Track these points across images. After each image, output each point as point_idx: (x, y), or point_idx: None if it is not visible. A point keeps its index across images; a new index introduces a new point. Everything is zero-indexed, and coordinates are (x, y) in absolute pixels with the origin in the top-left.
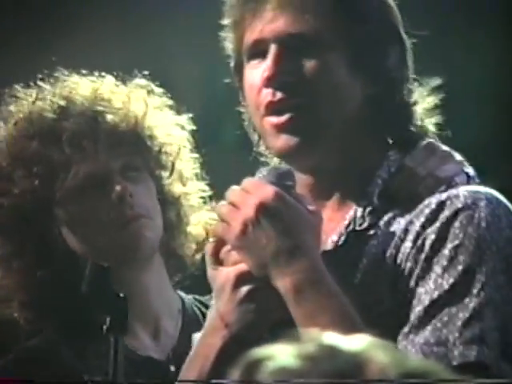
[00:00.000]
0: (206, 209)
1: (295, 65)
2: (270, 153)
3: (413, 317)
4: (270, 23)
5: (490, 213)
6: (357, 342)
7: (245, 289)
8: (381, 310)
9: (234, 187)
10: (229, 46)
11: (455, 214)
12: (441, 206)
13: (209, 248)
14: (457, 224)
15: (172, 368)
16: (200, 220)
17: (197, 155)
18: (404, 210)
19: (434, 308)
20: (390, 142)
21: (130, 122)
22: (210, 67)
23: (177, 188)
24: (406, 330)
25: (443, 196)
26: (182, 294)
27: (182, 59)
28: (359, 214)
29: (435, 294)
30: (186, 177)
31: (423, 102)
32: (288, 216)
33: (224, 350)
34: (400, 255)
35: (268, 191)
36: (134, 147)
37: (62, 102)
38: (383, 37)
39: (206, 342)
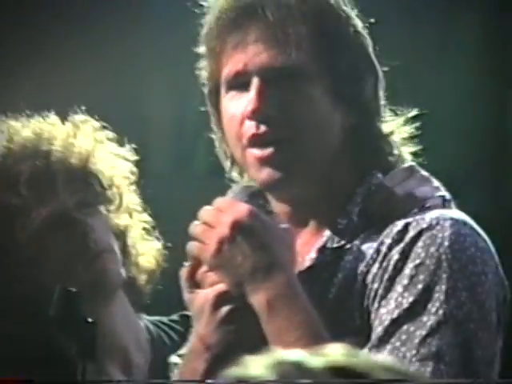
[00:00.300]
0: (151, 239)
1: (278, 98)
2: (251, 181)
3: (374, 336)
4: (252, 56)
5: (454, 232)
6: (321, 359)
7: (224, 309)
8: (352, 327)
9: (207, 207)
10: (203, 73)
11: (419, 234)
12: (406, 227)
13: (184, 272)
14: (420, 243)
15: None
16: (147, 250)
17: (138, 186)
18: (378, 229)
19: (394, 327)
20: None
21: (78, 157)
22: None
23: (123, 220)
24: (366, 349)
25: (410, 218)
26: (146, 317)
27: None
28: (337, 231)
29: (395, 314)
30: (131, 208)
31: (399, 131)
32: (263, 233)
33: (208, 372)
34: (369, 276)
35: (242, 209)
36: (84, 183)
37: (11, 146)
38: (360, 68)
39: (189, 367)
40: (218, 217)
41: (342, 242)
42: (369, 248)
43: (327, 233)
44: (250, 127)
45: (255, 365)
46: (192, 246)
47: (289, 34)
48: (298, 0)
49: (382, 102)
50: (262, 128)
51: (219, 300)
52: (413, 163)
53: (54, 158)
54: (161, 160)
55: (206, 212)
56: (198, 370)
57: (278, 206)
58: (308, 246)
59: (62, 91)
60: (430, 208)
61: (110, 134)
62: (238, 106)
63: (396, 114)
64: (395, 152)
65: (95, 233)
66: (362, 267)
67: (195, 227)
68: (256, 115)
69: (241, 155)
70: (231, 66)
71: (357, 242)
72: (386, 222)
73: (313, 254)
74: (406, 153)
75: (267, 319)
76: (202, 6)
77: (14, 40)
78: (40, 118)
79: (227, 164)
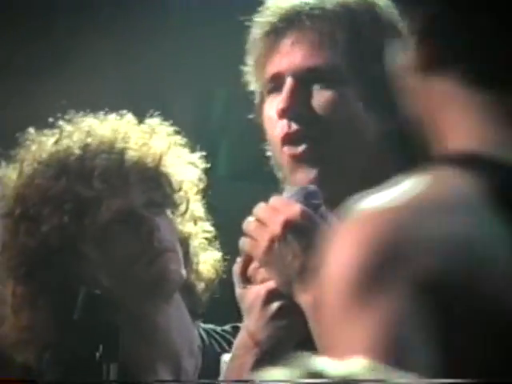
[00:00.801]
0: (211, 249)
1: (309, 97)
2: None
3: None
4: (286, 56)
5: None
6: (347, 366)
7: (275, 305)
8: None
9: (262, 204)
10: (253, 84)
11: None
12: None
13: (236, 267)
14: None
15: None
16: (207, 259)
17: (204, 194)
18: None
19: None
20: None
21: (152, 158)
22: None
23: (187, 227)
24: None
25: None
26: (201, 325)
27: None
28: None
29: None
30: (196, 216)
31: None
32: (314, 234)
33: (257, 367)
34: None
35: (295, 209)
36: (155, 183)
37: (88, 140)
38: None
39: (237, 363)
40: (271, 215)
41: None
42: None
43: None
44: (282, 126)
45: (277, 374)
46: (244, 242)
47: (323, 36)
48: (336, 5)
49: None
50: (294, 126)
51: (270, 296)
52: None
53: (129, 156)
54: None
55: (260, 209)
56: (246, 365)
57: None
58: None
59: (138, 94)
60: None
61: (182, 140)
62: (273, 107)
63: None
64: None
65: (161, 232)
66: None
67: (248, 224)
68: (286, 114)
69: (278, 157)
70: (269, 70)
71: None
72: None
73: None
74: None
75: (314, 320)
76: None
77: (93, 41)
78: (117, 117)
79: (280, 175)
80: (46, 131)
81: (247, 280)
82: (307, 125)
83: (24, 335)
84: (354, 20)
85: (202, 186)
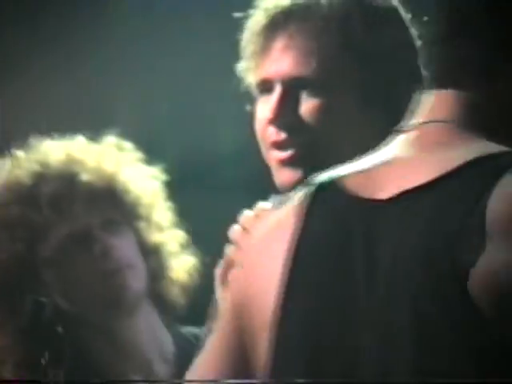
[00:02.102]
0: (185, 254)
1: (297, 105)
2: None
3: None
4: (275, 62)
5: None
6: None
7: None
8: None
9: (247, 211)
10: (248, 79)
11: None
12: None
13: (218, 272)
14: None
15: None
16: (181, 265)
17: (172, 203)
18: None
19: None
20: None
21: (105, 178)
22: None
23: (155, 237)
24: None
25: None
26: (177, 328)
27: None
28: None
29: None
30: (163, 225)
31: None
32: None
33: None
34: None
35: None
36: (110, 202)
37: (38, 168)
38: (400, 82)
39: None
40: (255, 223)
41: None
42: None
43: None
44: (271, 133)
45: None
46: (229, 249)
47: (312, 42)
48: (327, 13)
49: None
50: (282, 135)
51: None
52: None
53: (81, 179)
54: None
55: (245, 217)
56: None
57: None
58: None
59: (93, 113)
60: None
61: (139, 155)
62: (263, 110)
63: None
64: None
65: (117, 250)
66: None
67: (233, 231)
68: (275, 123)
69: (266, 157)
70: (260, 71)
71: None
72: None
73: None
74: None
75: None
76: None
77: (49, 62)
78: (69, 140)
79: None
80: (2, 161)
81: (227, 284)
82: (295, 132)
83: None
84: (344, 24)
85: (164, 195)
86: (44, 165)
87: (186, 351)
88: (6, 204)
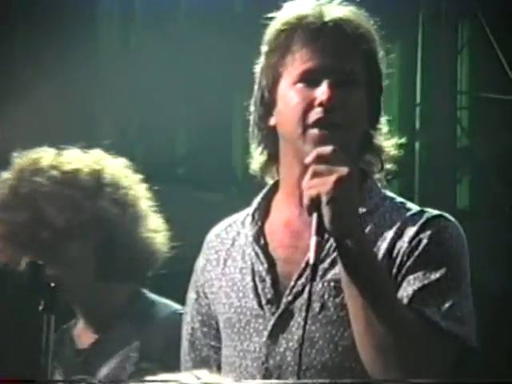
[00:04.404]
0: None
1: (340, 94)
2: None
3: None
4: (322, 60)
5: (457, 226)
6: None
7: None
8: None
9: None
10: (266, 66)
11: (436, 223)
12: (422, 212)
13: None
14: (439, 232)
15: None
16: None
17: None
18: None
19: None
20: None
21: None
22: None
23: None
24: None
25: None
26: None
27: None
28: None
29: (425, 281)
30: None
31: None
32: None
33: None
34: (395, 250)
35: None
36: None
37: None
38: (380, 85)
39: None
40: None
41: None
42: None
43: None
44: (317, 112)
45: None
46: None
47: (348, 49)
48: (353, 28)
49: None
50: (326, 113)
51: None
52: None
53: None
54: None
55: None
56: None
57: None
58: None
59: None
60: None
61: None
62: (307, 95)
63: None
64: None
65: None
66: (384, 243)
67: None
68: (327, 104)
69: (300, 134)
70: (302, 63)
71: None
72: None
73: None
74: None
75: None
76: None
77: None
78: (61, 151)
79: (259, 155)
80: None
81: None
82: (335, 115)
83: None
84: (368, 31)
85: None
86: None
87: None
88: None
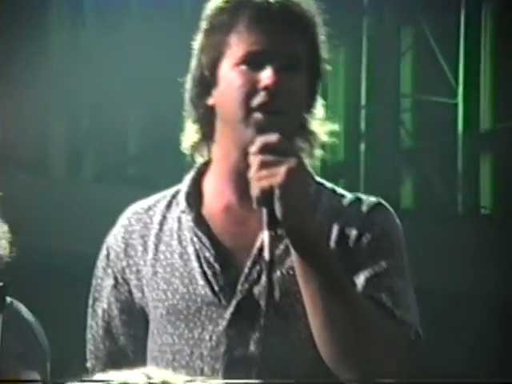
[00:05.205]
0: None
1: (284, 78)
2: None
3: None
4: (267, 42)
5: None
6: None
7: None
8: None
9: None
10: (207, 44)
11: (379, 209)
12: (359, 200)
13: None
14: (382, 218)
15: None
16: None
17: None
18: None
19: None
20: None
21: None
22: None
23: None
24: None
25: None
26: None
27: None
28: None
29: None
30: None
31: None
32: None
33: None
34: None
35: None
36: None
37: None
38: (322, 68)
39: None
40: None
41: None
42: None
43: None
44: (262, 96)
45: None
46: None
47: (294, 32)
48: (300, 11)
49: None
50: (271, 98)
51: None
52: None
53: None
54: None
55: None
56: None
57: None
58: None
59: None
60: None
61: None
62: (250, 78)
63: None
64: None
65: None
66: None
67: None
68: (272, 88)
69: (242, 118)
70: (247, 44)
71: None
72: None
73: None
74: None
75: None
76: None
77: None
78: None
79: (193, 134)
80: None
81: None
82: (279, 99)
83: None
84: (313, 15)
85: None
86: None
87: None
88: None
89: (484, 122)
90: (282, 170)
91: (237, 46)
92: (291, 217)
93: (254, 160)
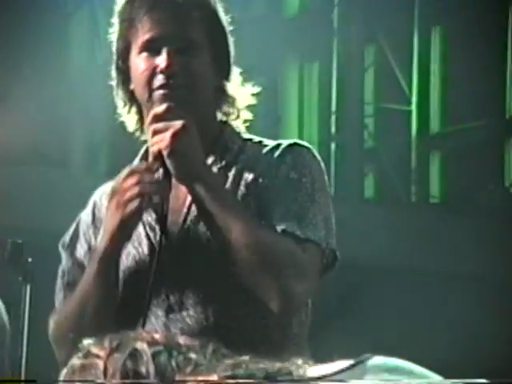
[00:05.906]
0: None
1: (180, 60)
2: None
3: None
4: (162, 28)
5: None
6: None
7: None
8: None
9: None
10: (118, 36)
11: (294, 150)
12: (278, 146)
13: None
14: (299, 157)
15: None
16: None
17: None
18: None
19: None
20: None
21: None
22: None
23: None
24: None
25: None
26: None
27: None
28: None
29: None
30: None
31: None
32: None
33: None
34: (259, 180)
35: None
36: None
37: None
38: (228, 42)
39: None
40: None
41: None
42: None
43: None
44: (159, 79)
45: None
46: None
47: (187, 16)
48: None
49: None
50: (168, 80)
51: None
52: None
53: None
54: None
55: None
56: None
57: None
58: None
59: None
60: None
61: None
62: (150, 63)
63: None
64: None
65: None
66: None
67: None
68: (166, 70)
69: (148, 98)
70: (143, 33)
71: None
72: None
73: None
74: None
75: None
76: None
77: None
78: None
79: (126, 114)
80: None
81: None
82: (177, 79)
83: None
84: (204, 6)
85: None
86: None
87: None
88: None
89: (433, 125)
90: (167, 134)
91: (138, 36)
92: (180, 172)
93: (149, 130)
